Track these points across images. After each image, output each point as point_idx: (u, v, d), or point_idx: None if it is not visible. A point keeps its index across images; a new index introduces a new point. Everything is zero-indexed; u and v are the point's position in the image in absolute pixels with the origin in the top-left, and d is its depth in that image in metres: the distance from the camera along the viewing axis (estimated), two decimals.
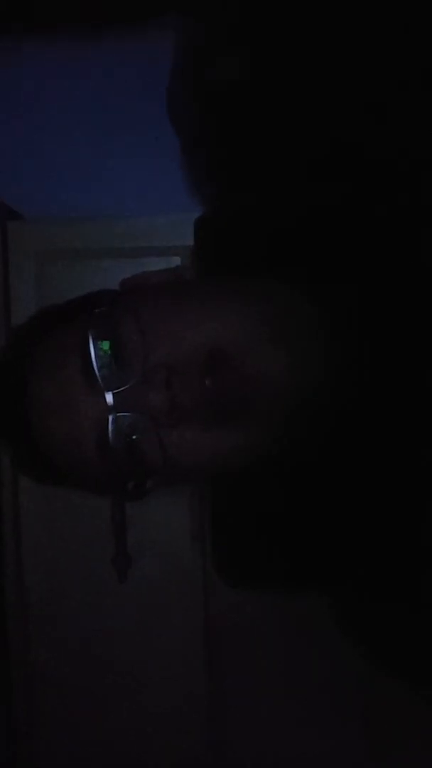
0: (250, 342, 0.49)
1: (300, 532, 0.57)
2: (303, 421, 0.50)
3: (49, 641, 0.87)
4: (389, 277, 0.53)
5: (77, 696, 0.87)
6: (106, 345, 0.49)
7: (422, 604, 0.52)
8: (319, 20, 0.56)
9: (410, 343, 0.51)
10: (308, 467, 0.55)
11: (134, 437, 0.49)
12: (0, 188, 0.83)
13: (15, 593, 0.86)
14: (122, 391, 0.48)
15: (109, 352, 0.49)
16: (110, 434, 0.48)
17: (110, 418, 0.48)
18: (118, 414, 0.48)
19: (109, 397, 0.48)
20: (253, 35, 0.59)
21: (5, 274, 0.84)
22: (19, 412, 0.52)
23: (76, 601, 0.86)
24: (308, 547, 0.57)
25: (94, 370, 0.48)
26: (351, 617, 0.61)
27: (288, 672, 0.86)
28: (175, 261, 0.79)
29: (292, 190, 0.59)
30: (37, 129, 0.83)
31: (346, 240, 0.55)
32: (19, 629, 0.86)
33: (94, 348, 0.49)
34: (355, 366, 0.51)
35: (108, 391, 0.48)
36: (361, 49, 0.54)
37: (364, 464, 0.53)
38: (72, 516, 0.85)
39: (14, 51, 0.79)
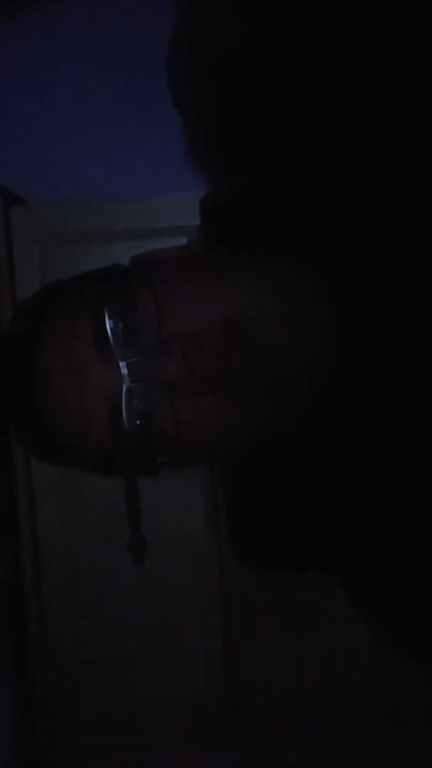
0: (262, 316, 0.48)
1: (313, 512, 0.57)
2: (314, 397, 0.50)
3: (66, 625, 0.87)
4: (396, 252, 0.52)
5: (94, 678, 0.87)
6: (119, 315, 0.48)
7: None
8: None
9: (421, 318, 0.51)
10: (321, 446, 0.55)
11: (148, 408, 0.48)
12: (2, 173, 0.83)
13: (31, 576, 0.86)
14: (135, 361, 0.48)
15: (123, 322, 0.48)
16: (123, 405, 0.48)
17: (123, 388, 0.48)
18: (132, 384, 0.48)
19: (122, 367, 0.48)
20: (257, 5, 0.59)
21: (9, 259, 0.83)
22: (26, 384, 0.51)
23: (93, 585, 0.86)
24: (321, 528, 0.57)
25: (108, 339, 0.48)
26: (364, 596, 0.61)
27: (302, 651, 0.86)
28: (181, 241, 0.78)
29: (296, 166, 0.59)
30: (38, 112, 0.82)
31: (351, 214, 0.54)
32: (35, 612, 0.86)
33: (108, 317, 0.48)
34: (366, 341, 0.51)
35: (122, 360, 0.48)
36: (367, 23, 0.53)
37: (377, 442, 0.53)
38: (86, 500, 0.85)
39: (13, 31, 0.78)
